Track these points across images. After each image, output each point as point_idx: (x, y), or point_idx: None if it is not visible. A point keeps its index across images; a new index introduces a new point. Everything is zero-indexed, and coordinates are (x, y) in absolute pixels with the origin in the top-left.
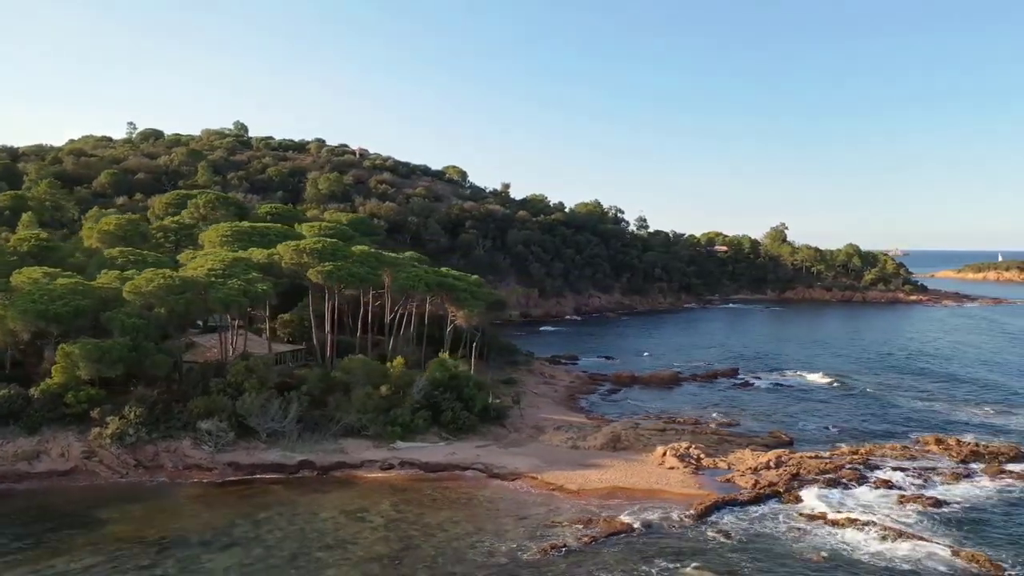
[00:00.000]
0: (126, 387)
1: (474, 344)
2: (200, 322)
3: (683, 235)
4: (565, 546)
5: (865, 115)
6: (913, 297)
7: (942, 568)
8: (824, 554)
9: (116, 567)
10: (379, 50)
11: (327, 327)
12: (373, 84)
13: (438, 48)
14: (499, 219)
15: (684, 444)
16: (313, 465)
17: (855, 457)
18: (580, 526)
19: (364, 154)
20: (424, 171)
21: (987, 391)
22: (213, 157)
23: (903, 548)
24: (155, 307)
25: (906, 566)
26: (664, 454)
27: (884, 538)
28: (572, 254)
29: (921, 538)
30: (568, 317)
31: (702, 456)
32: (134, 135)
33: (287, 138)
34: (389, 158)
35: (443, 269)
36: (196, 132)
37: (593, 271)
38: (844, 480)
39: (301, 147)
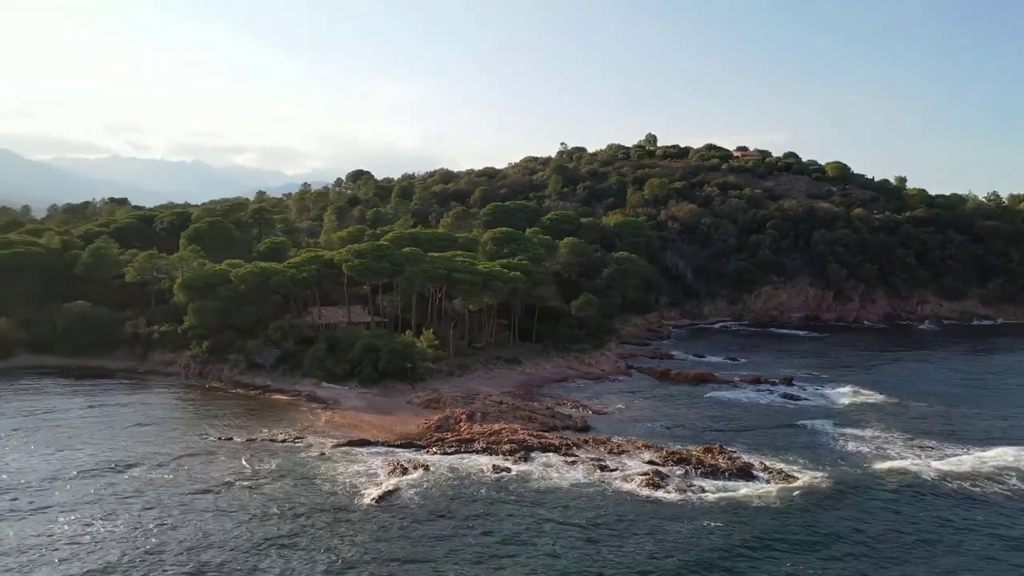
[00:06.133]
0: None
1: (515, 329)
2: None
3: None
4: (230, 437)
5: None
6: None
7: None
8: (325, 476)
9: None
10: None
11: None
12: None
13: None
14: (819, 218)
15: (460, 410)
16: (269, 387)
17: (565, 439)
18: (279, 436)
19: (746, 156)
20: (800, 170)
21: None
22: (586, 170)
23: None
24: (242, 286)
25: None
26: (435, 416)
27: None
28: (904, 254)
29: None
30: (864, 324)
31: (462, 423)
32: (562, 153)
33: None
34: (751, 159)
35: (465, 262)
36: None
37: (937, 274)
38: (496, 449)
39: (683, 154)
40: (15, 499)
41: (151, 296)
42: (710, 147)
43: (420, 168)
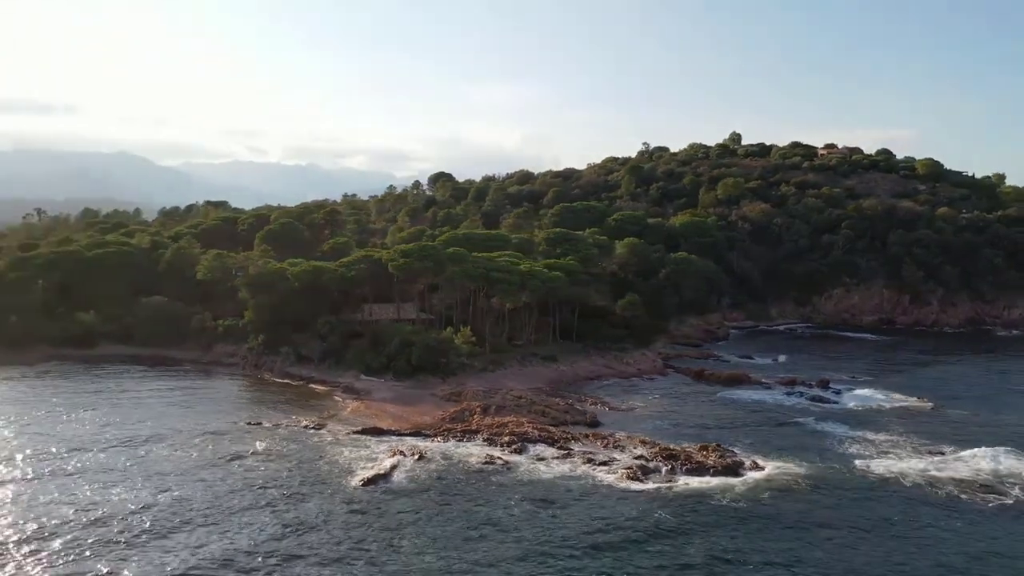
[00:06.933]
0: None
1: (555, 327)
2: None
3: None
4: (260, 422)
5: None
6: None
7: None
8: (327, 459)
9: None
10: None
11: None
12: None
13: None
14: (899, 218)
15: (475, 405)
16: (313, 378)
17: (566, 432)
18: (303, 423)
19: (831, 153)
20: (888, 168)
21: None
22: (663, 170)
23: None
24: (297, 283)
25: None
26: (452, 408)
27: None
28: (992, 255)
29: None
30: (943, 329)
31: (476, 415)
32: (642, 153)
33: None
34: (835, 156)
35: (509, 262)
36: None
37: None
38: (496, 440)
39: (765, 152)
40: (49, 465)
41: (225, 292)
42: (794, 145)
43: (523, 168)
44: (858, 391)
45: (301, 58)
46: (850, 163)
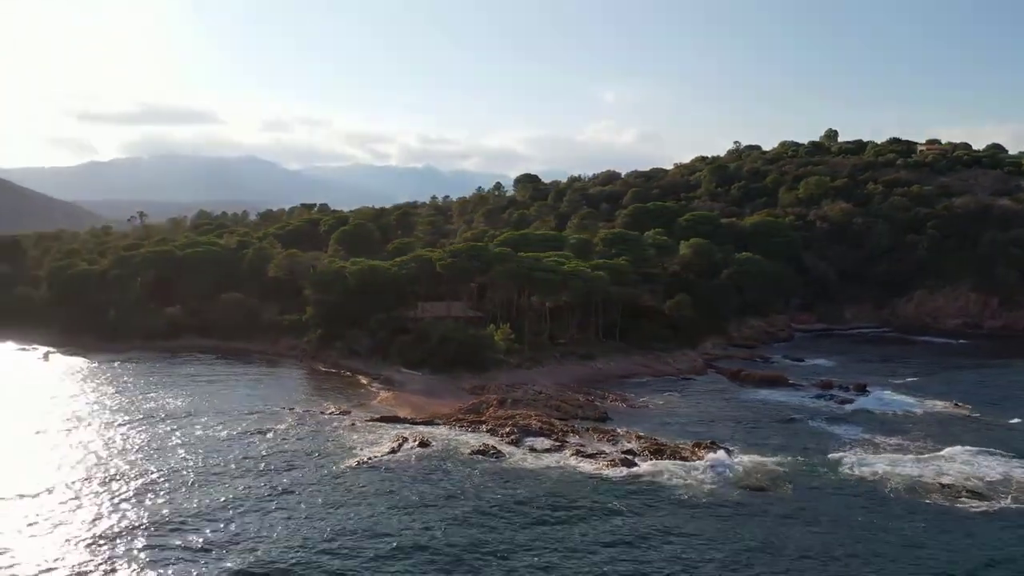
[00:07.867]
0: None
1: (599, 326)
2: None
3: None
4: (294, 408)
5: None
6: None
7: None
8: (336, 440)
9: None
10: None
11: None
12: None
13: None
14: (994, 217)
15: (493, 398)
16: (359, 370)
17: (569, 426)
18: (330, 409)
19: (931, 149)
20: (992, 164)
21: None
22: (748, 169)
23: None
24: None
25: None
26: (471, 401)
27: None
28: None
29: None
30: None
31: (490, 408)
32: (733, 152)
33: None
34: (931, 153)
35: (556, 262)
36: None
37: None
38: (498, 430)
39: (860, 149)
40: (85, 435)
41: (296, 289)
42: (892, 141)
43: (632, 167)
44: (892, 395)
45: (416, 60)
46: (949, 159)
